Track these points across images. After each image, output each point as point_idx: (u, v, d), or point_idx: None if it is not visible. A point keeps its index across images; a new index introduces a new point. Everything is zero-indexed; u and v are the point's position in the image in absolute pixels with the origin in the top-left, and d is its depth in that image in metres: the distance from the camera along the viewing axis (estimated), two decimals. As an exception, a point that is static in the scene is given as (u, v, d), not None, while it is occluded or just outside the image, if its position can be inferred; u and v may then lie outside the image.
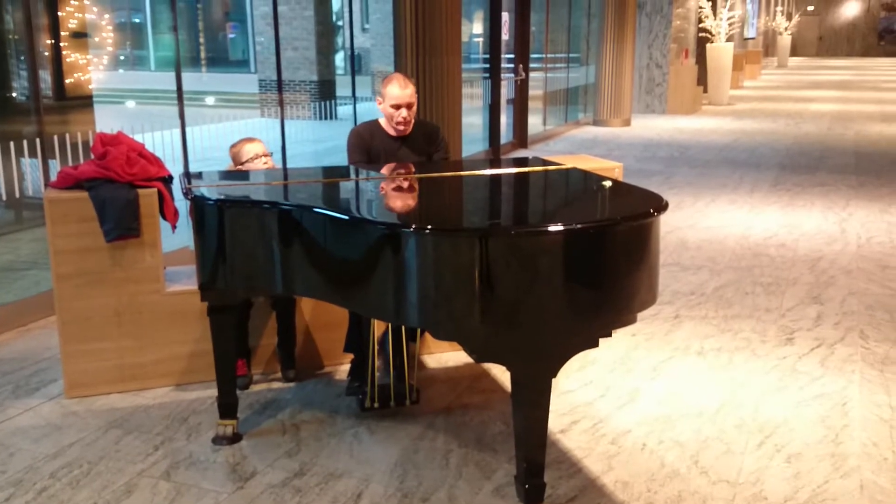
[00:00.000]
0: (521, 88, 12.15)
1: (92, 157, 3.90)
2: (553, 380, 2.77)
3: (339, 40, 27.54)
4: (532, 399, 2.72)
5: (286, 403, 3.77)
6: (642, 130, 14.48)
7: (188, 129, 15.83)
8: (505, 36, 11.83)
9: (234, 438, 3.42)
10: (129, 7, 32.98)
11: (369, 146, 4.13)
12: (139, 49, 33.78)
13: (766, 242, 6.61)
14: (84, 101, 8.02)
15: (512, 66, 12.08)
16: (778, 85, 26.05)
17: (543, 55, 14.17)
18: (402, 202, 3.28)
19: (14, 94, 8.14)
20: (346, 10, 25.03)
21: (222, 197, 3.04)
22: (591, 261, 2.64)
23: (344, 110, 16.41)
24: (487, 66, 11.26)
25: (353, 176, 3.78)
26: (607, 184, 3.22)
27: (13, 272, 5.68)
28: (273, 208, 2.92)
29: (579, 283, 2.63)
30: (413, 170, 3.85)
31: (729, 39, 19.28)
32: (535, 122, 13.51)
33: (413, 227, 2.63)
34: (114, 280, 3.81)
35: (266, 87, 16.52)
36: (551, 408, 3.68)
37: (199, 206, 3.05)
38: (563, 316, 2.63)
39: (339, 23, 27.24)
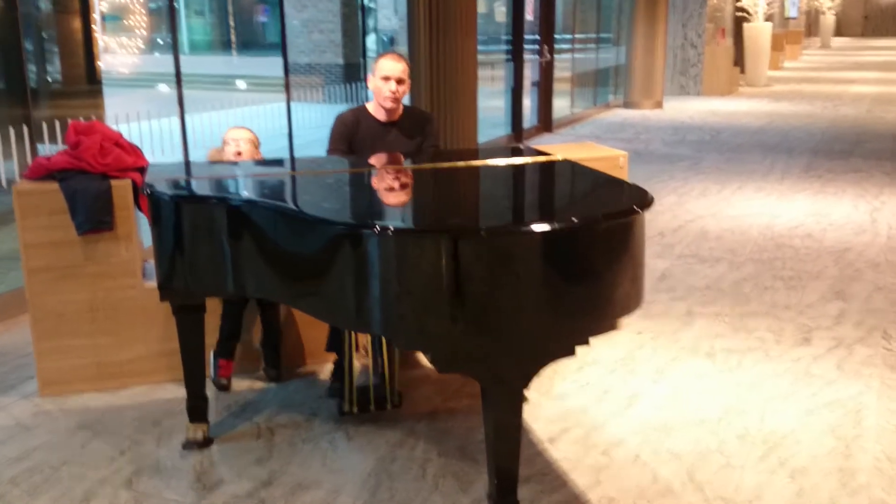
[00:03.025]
0: (546, 70, 11.84)
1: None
2: (533, 385, 2.56)
3: (371, 22, 27.34)
4: (502, 413, 2.51)
5: (265, 405, 3.60)
6: (674, 113, 14.09)
7: (213, 114, 15.74)
8: (529, 16, 11.52)
9: (205, 443, 3.26)
10: (161, -9, 33.08)
11: (353, 133, 3.93)
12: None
13: (791, 233, 6.29)
14: (94, 86, 7.92)
15: (537, 47, 11.77)
16: (819, 66, 25.32)
17: (572, 35, 13.82)
18: (364, 197, 3.07)
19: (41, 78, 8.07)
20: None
21: (176, 192, 2.85)
22: (566, 263, 2.41)
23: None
24: (508, 48, 10.97)
25: (322, 167, 3.58)
26: (594, 177, 2.99)
27: (12, 261, 5.59)
28: (221, 203, 2.73)
29: (553, 288, 2.41)
30: (390, 160, 3.64)
31: (768, 19, 18.71)
32: (562, 105, 13.20)
33: (371, 226, 2.43)
34: (87, 275, 3.66)
35: (291, 71, 16.34)
36: (541, 414, 3.50)
37: (153, 200, 2.87)
38: (536, 323, 2.41)
39: (372, 4, 27.03)
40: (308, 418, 3.48)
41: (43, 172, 3.65)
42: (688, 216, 6.86)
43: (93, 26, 8.00)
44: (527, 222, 2.45)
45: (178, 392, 3.67)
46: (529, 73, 11.92)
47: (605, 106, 15.00)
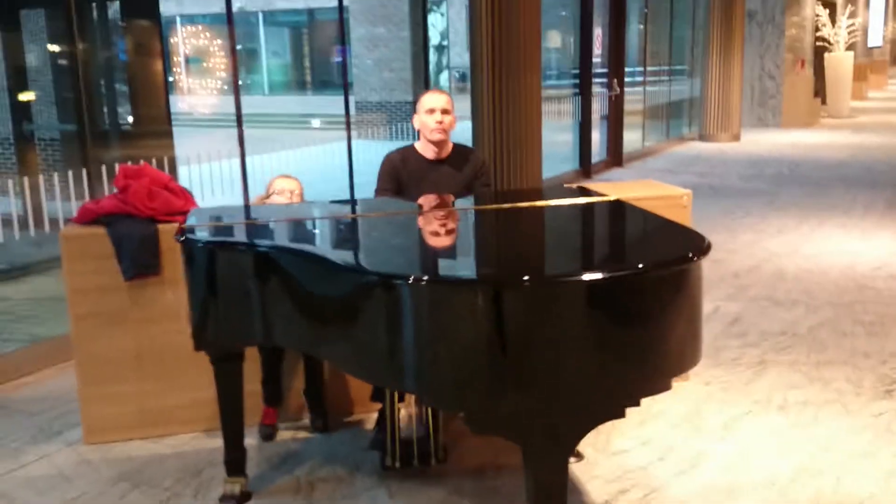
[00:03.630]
0: (616, 104, 11.62)
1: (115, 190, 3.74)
2: (589, 440, 2.36)
3: (444, 60, 27.58)
4: (546, 479, 2.32)
5: (307, 456, 3.48)
6: (752, 146, 13.66)
7: (286, 153, 15.96)
8: (597, 50, 11.36)
9: (243, 498, 3.15)
10: (245, 33, 34.07)
11: (401, 172, 3.84)
12: (254, 74, 34.83)
13: (873, 273, 5.92)
14: (164, 128, 8.05)
15: (605, 80, 11.58)
16: (907, 94, 24.38)
17: (643, 68, 13.58)
18: (401, 243, 2.93)
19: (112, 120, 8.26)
20: (447, 29, 25.03)
21: (207, 238, 2.77)
22: (614, 316, 2.23)
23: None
24: (577, 81, 10.81)
25: (364, 210, 3.48)
26: (648, 221, 2.79)
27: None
28: (249, 250, 2.64)
29: (600, 344, 2.22)
30: (438, 201, 3.51)
31: (849, 48, 18.10)
32: (633, 139, 12.94)
33: (406, 276, 2.29)
34: (134, 320, 3.61)
35: (361, 109, 16.52)
36: (597, 472, 3.28)
37: (185, 246, 2.79)
38: (581, 382, 2.23)
39: (445, 42, 27.27)
40: (351, 472, 3.33)
41: (91, 217, 3.63)
42: (763, 255, 6.54)
43: (163, 70, 8.18)
44: (571, 272, 2.28)
45: (216, 442, 3.57)
46: (599, 107, 11.73)
47: (678, 139, 14.66)
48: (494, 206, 3.48)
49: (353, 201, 3.71)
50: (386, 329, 2.30)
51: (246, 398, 3.54)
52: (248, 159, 10.40)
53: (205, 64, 28.72)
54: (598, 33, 11.49)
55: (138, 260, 3.52)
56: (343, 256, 2.53)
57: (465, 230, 3.13)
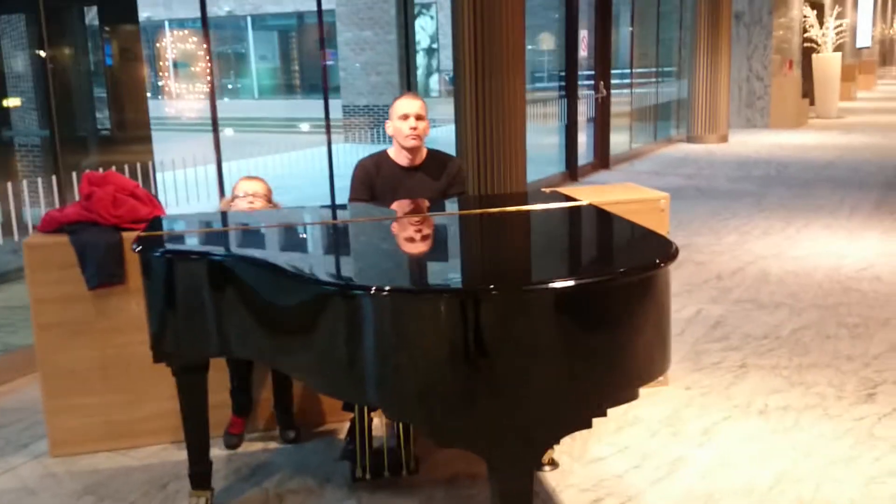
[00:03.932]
0: (603, 106, 11.58)
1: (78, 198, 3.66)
2: (564, 447, 2.29)
3: (434, 63, 27.52)
4: (511, 492, 2.25)
5: (277, 468, 3.40)
6: (740, 147, 13.64)
7: (273, 157, 15.82)
8: (583, 52, 11.31)
9: (209, 511, 3.07)
10: (232, 38, 33.98)
11: (374, 179, 3.77)
12: (243, 77, 34.72)
13: (859, 275, 5.87)
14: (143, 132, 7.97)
15: (592, 83, 11.53)
16: (895, 96, 24.40)
17: (630, 70, 13.54)
18: (363, 251, 2.85)
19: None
20: (437, 32, 24.97)
21: (164, 247, 2.70)
22: (579, 325, 2.16)
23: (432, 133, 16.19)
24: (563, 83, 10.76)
25: (337, 216, 3.40)
26: (617, 226, 2.73)
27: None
28: (203, 259, 2.56)
29: (564, 353, 2.16)
30: (411, 207, 3.44)
31: (837, 49, 18.10)
32: (620, 141, 12.90)
33: (367, 287, 2.21)
34: (99, 330, 3.53)
35: (349, 112, 16.46)
36: (572, 481, 3.21)
37: (141, 256, 2.71)
38: (545, 393, 2.16)
39: (435, 45, 27.19)
40: (321, 484, 3.26)
41: (55, 225, 3.55)
42: (748, 257, 6.48)
43: (142, 75, 8.12)
44: (535, 280, 2.21)
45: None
46: (586, 110, 11.69)
47: (666, 141, 14.63)
48: (464, 212, 3.40)
49: (328, 206, 3.62)
50: (345, 340, 2.22)
51: (215, 409, 3.49)
52: (235, 163, 10.37)
53: (192, 68, 28.60)
54: (584, 35, 11.44)
55: (103, 269, 3.44)
56: (300, 265, 2.45)
57: (432, 237, 3.05)
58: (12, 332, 5.44)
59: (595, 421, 3.59)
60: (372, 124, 15.92)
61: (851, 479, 3.15)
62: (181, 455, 3.49)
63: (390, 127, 3.74)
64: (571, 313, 2.16)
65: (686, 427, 3.64)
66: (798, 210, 8.28)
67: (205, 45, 6.78)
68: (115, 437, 3.60)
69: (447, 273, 2.60)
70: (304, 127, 20.99)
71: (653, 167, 11.89)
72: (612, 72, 12.09)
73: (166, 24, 30.12)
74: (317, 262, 2.63)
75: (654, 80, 14.64)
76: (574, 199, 3.30)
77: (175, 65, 29.23)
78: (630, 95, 13.58)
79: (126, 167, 6.04)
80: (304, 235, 3.00)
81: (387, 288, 2.22)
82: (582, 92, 11.31)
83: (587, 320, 2.16)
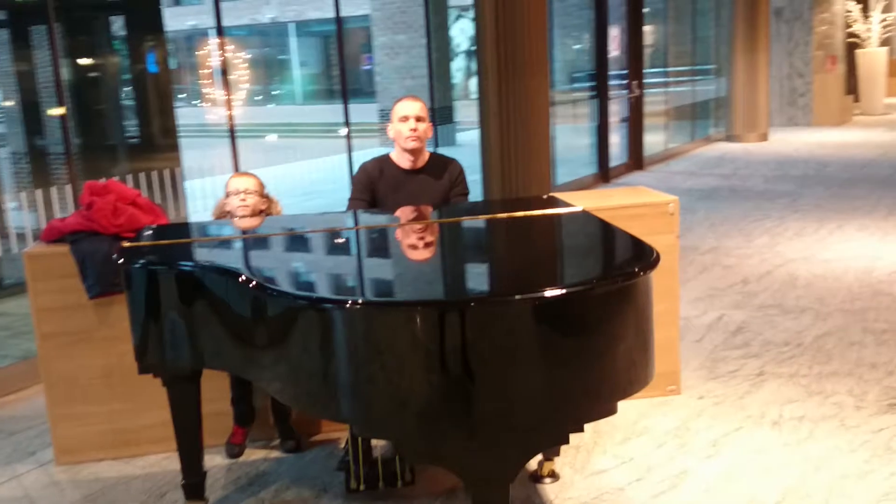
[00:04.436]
0: (636, 106, 11.41)
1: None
2: (566, 459, 2.23)
3: (473, 66, 27.45)
4: (487, 508, 2.19)
5: (276, 478, 3.38)
6: (780, 145, 13.34)
7: (312, 162, 15.92)
8: (616, 52, 11.16)
9: (203, 522, 3.06)
10: (276, 45, 34.38)
11: (376, 183, 3.73)
12: (287, 83, 35.08)
13: (890, 278, 5.68)
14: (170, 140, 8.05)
15: (625, 82, 11.37)
16: (947, 89, 23.68)
17: (665, 68, 13.34)
18: (333, 263, 2.81)
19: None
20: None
21: (143, 259, 2.69)
22: (555, 338, 2.10)
23: (464, 136, 16.14)
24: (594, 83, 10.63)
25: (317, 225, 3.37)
26: (603, 234, 2.65)
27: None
28: (173, 271, 2.54)
29: (541, 367, 2.09)
30: (413, 212, 3.40)
31: (884, 44, 17.61)
32: (656, 141, 12.71)
33: (340, 300, 2.17)
34: (100, 339, 3.54)
35: (386, 116, 16.47)
36: (571, 494, 3.13)
37: (122, 268, 2.71)
38: (517, 407, 2.09)
39: (474, 48, 27.15)
40: (317, 494, 3.23)
41: (56, 235, 3.58)
42: (777, 260, 6.31)
43: (169, 83, 8.20)
44: (505, 292, 2.14)
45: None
46: (619, 109, 11.54)
47: (705, 140, 14.37)
48: (445, 220, 3.34)
49: (318, 216, 3.59)
50: (315, 354, 2.18)
51: (217, 418, 3.49)
52: (275, 168, 10.44)
53: (232, 76, 28.95)
54: (616, 34, 11.30)
55: (103, 278, 3.45)
56: (270, 275, 2.42)
57: (409, 247, 3.00)
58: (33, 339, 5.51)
59: (600, 431, 3.54)
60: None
61: (862, 494, 3.02)
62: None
63: (391, 130, 3.71)
64: (545, 326, 2.09)
65: (694, 438, 3.53)
66: (833, 210, 8.05)
67: (254, 53, 6.82)
68: (119, 446, 3.62)
69: (419, 284, 2.54)
70: (344, 131, 21.11)
71: (688, 167, 11.68)
72: (648, 70, 11.93)
73: (210, 33, 30.55)
74: (288, 273, 2.58)
75: (691, 77, 14.40)
76: (569, 205, 3.22)
77: (216, 73, 29.61)
78: (665, 94, 13.37)
79: (154, 174, 6.12)
80: (288, 245, 2.97)
81: (359, 301, 2.18)
82: (615, 91, 11.17)
83: (562, 332, 2.10)
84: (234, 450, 3.55)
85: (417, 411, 2.11)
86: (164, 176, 7.28)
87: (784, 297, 5.38)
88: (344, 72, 8.29)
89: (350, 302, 2.16)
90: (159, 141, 8.02)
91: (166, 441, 3.60)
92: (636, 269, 2.19)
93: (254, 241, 3.05)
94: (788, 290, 5.54)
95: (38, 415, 4.08)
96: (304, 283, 2.47)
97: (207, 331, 2.51)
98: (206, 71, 29.54)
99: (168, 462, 3.56)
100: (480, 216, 3.28)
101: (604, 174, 10.62)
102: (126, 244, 2.96)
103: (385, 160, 3.79)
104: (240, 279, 2.35)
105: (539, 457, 3.23)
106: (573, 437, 3.50)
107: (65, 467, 3.57)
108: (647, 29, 12.11)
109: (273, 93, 34.87)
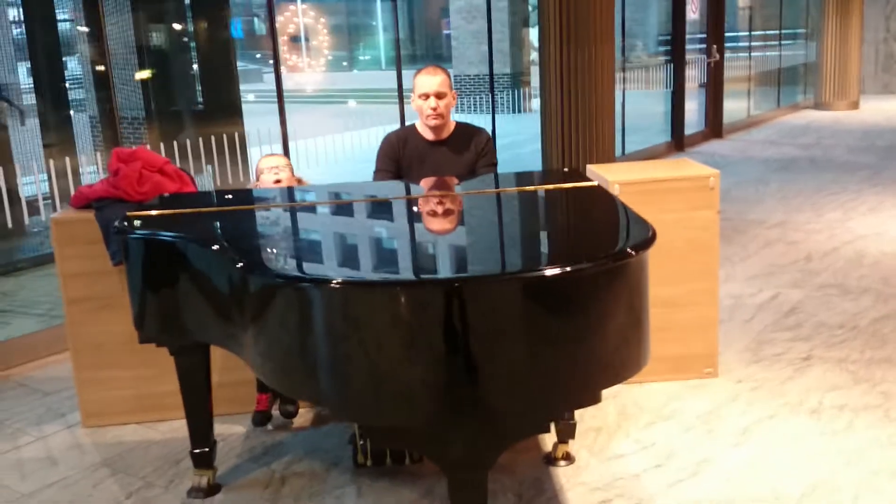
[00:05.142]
0: (716, 71, 10.97)
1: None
2: (585, 440, 2.14)
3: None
4: (463, 499, 2.10)
5: (290, 449, 3.36)
6: (871, 114, 12.68)
7: (390, 127, 16.04)
8: (694, 15, 10.73)
9: (211, 490, 3.07)
10: (363, 9, 34.47)
11: (400, 153, 3.65)
12: (371, 49, 35.18)
13: (967, 258, 5.31)
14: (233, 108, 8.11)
15: (704, 46, 10.94)
16: None
17: (749, 32, 12.78)
18: (311, 238, 2.72)
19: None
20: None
21: (136, 228, 2.67)
22: (536, 321, 1.98)
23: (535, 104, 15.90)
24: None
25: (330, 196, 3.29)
26: (604, 212, 2.50)
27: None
28: (160, 240, 2.51)
29: (521, 352, 1.98)
30: (437, 184, 3.31)
31: None
32: (738, 108, 12.24)
33: (312, 279, 2.11)
34: (125, 305, 3.45)
35: (461, 82, 16.31)
36: (585, 478, 3.02)
37: (120, 237, 2.70)
38: (494, 394, 1.99)
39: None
40: (328, 468, 3.20)
41: (84, 201, 3.61)
42: (847, 236, 5.98)
43: (232, 52, 8.28)
44: (477, 273, 2.03)
45: (218, 427, 3.50)
46: (697, 75, 11.13)
47: (792, 107, 13.76)
48: (444, 193, 3.23)
49: (339, 186, 3.53)
50: (292, 332, 2.13)
51: (239, 387, 3.50)
52: (352, 134, 10.58)
53: (311, 42, 29.13)
54: (695, -4, 10.86)
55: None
56: (251, 252, 2.36)
57: (401, 222, 2.90)
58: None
59: (626, 414, 3.42)
60: (481, 92, 15.74)
61: (895, 491, 2.82)
62: (202, 431, 3.52)
63: (413, 103, 3.61)
64: (526, 308, 1.98)
65: (724, 425, 3.36)
66: (919, 184, 7.60)
67: (333, 19, 6.80)
68: (144, 410, 3.67)
69: (399, 262, 2.44)
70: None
71: (770, 136, 11.21)
72: (732, 34, 11.45)
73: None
74: (269, 248, 2.53)
75: (776, 42, 13.76)
76: (588, 180, 3.06)
77: (294, 39, 29.87)
78: (750, 59, 12.82)
79: (222, 138, 6.21)
80: (285, 218, 2.92)
81: (334, 281, 2.10)
82: (693, 56, 10.77)
83: (543, 316, 1.98)
84: (259, 417, 3.55)
85: (394, 393, 2.04)
86: (227, 141, 7.36)
87: (846, 277, 5.08)
88: (398, 38, 8.18)
89: (325, 281, 2.09)
90: (224, 107, 8.10)
91: (189, 407, 3.65)
92: (629, 250, 2.05)
93: (252, 212, 3.01)
94: (853, 268, 5.24)
95: (71, 377, 4.17)
96: (282, 260, 2.41)
97: (191, 303, 2.48)
98: (286, 37, 29.82)
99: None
100: (488, 191, 3.15)
101: (678, 142, 10.27)
102: (131, 212, 2.94)
103: (410, 130, 3.70)
104: (214, 250, 2.31)
105: (553, 438, 3.13)
106: (595, 418, 3.42)
107: (90, 430, 3.64)
108: (729, -9, 11.60)
109: (360, 58, 35.04)
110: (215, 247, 2.34)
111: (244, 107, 8.41)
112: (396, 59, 7.25)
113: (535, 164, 7.21)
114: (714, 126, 11.16)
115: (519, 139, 11.70)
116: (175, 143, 5.67)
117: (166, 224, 2.75)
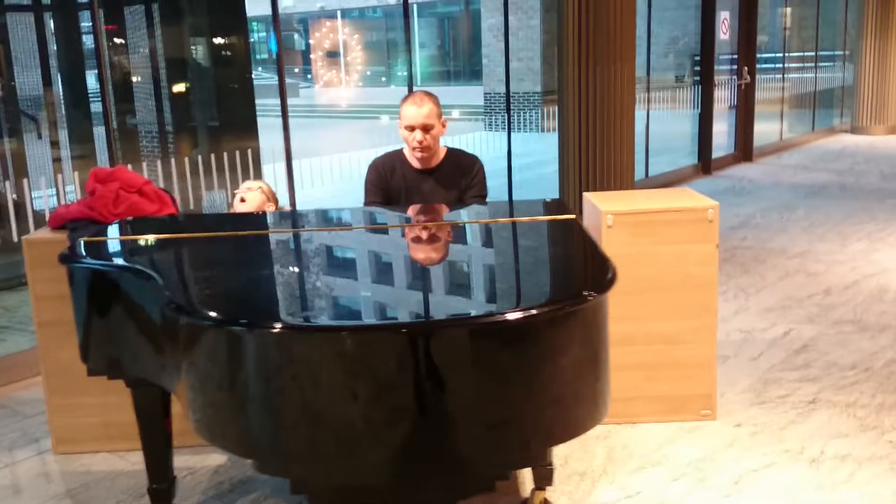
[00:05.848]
0: (746, 93, 10.70)
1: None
2: (567, 487, 1.97)
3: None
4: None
5: (257, 486, 3.22)
6: (911, 139, 12.30)
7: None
8: (724, 36, 10.49)
9: (168, 529, 2.93)
10: (399, 27, 34.62)
11: (388, 181, 3.51)
12: (405, 65, 35.24)
13: None
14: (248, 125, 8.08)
15: (735, 67, 10.69)
16: None
17: (783, 53, 12.49)
18: (239, 278, 2.57)
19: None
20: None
21: (77, 257, 2.56)
22: (474, 373, 1.82)
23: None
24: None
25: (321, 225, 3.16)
26: (569, 249, 2.33)
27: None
28: (89, 269, 2.39)
29: (456, 409, 1.82)
30: (425, 212, 3.17)
31: None
32: (770, 131, 11.95)
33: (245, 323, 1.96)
34: (97, 330, 3.47)
35: (490, 100, 16.20)
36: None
37: (63, 264, 2.59)
38: (436, 454, 1.83)
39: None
40: (301, 501, 3.05)
41: (60, 222, 3.52)
42: (869, 269, 5.71)
43: (248, 69, 8.25)
44: (398, 322, 1.88)
45: (186, 459, 3.39)
46: (728, 97, 10.89)
47: (827, 131, 13.41)
48: (405, 225, 3.07)
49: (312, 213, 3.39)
50: (220, 377, 1.99)
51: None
52: (377, 151, 10.47)
53: (344, 58, 29.24)
54: (725, 16, 10.63)
55: (98, 268, 3.38)
56: (175, 283, 2.23)
57: (360, 252, 2.75)
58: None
59: (614, 458, 3.22)
60: (511, 112, 15.62)
61: (893, 558, 2.60)
62: (175, 461, 3.39)
63: (400, 132, 3.47)
64: (464, 357, 1.81)
65: (717, 473, 3.15)
66: (953, 214, 7.28)
67: (366, 35, 6.72)
68: (113, 439, 3.55)
69: (338, 304, 2.28)
70: (455, 114, 21.01)
71: (802, 160, 10.91)
72: (764, 55, 11.19)
73: (338, 13, 30.98)
74: (206, 283, 2.39)
75: (811, 64, 13.44)
76: (567, 212, 2.88)
77: (328, 55, 30.03)
78: (782, 81, 12.53)
79: (235, 154, 6.16)
80: (237, 248, 2.78)
81: (272, 326, 1.96)
82: (724, 78, 10.53)
83: (478, 371, 1.81)
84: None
85: (334, 444, 1.88)
86: (239, 157, 7.33)
87: (865, 313, 4.83)
88: (412, 56, 8.06)
89: (260, 326, 1.95)
90: (239, 123, 8.07)
91: (161, 437, 3.52)
92: (585, 295, 1.87)
93: (201, 241, 2.88)
94: (873, 304, 4.98)
95: (42, 401, 4.08)
96: (218, 298, 2.26)
97: (126, 336, 2.36)
98: (321, 53, 30.01)
99: (161, 458, 3.46)
100: (454, 222, 2.99)
101: (705, 165, 10.03)
102: (86, 238, 2.84)
103: (397, 157, 3.56)
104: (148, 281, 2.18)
105: (531, 484, 2.95)
106: (580, 461, 3.23)
107: (60, 457, 3.53)
108: (763, 11, 11.34)
109: (396, 74, 35.17)
110: (150, 280, 2.21)
111: (272, 121, 8.40)
112: (408, 78, 7.12)
113: (551, 188, 7.04)
114: (744, 149, 10.88)
115: (544, 158, 11.51)
116: (199, 157, 5.70)
117: (118, 251, 2.63)
